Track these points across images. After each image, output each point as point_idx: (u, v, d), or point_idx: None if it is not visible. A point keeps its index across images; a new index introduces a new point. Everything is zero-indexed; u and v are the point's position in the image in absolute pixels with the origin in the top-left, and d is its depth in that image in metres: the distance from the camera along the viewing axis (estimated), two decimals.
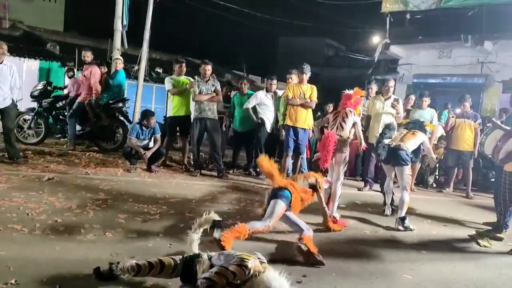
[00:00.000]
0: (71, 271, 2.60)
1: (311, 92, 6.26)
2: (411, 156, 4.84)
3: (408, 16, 12.06)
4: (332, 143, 4.37)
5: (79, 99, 7.84)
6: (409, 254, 3.78)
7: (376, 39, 14.62)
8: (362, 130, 6.94)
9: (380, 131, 5.34)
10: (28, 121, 7.90)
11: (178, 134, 7.24)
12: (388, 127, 5.09)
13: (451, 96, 11.11)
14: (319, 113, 9.08)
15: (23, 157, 6.20)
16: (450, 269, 3.48)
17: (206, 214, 2.94)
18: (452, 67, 12.00)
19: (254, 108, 7.07)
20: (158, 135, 6.62)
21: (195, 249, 2.76)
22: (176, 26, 25.84)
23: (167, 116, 8.14)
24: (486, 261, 3.79)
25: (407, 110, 7.42)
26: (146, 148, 6.48)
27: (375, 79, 9.37)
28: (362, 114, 5.44)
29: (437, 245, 4.11)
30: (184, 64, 7.07)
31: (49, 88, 8.53)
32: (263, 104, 7.06)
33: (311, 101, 6.28)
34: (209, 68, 6.56)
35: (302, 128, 6.33)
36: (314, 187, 3.98)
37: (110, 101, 7.98)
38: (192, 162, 7.09)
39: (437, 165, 8.05)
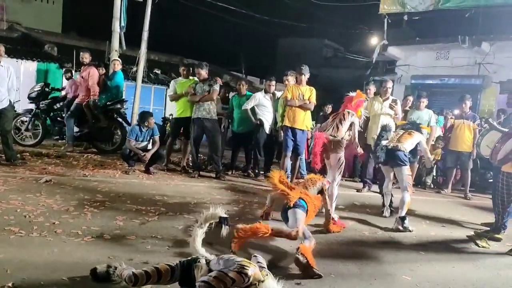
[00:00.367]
0: (69, 273, 2.58)
1: (310, 93, 6.26)
2: (409, 156, 4.85)
3: (405, 17, 12.13)
4: (319, 145, 4.39)
5: (77, 101, 7.83)
6: (407, 255, 3.78)
7: (374, 41, 14.65)
8: (360, 131, 7.02)
9: (377, 133, 5.35)
10: (26, 123, 7.88)
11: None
12: (384, 129, 5.11)
13: (449, 97, 11.17)
14: (321, 113, 9.08)
15: (20, 159, 6.18)
16: (449, 270, 3.48)
17: (213, 209, 2.84)
18: (450, 68, 12.05)
19: (252, 109, 7.06)
20: (157, 137, 6.62)
21: (199, 244, 2.71)
22: (174, 27, 25.89)
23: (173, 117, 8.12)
24: (484, 262, 3.79)
25: (405, 111, 7.44)
26: (145, 149, 6.47)
27: (374, 80, 9.41)
28: (365, 116, 5.42)
29: (435, 246, 4.11)
30: (189, 67, 7.07)
31: (46, 89, 8.51)
32: (262, 105, 7.06)
33: (310, 102, 6.27)
34: (199, 71, 6.52)
35: (300, 129, 6.33)
36: (321, 191, 4.06)
37: (108, 103, 7.97)
38: (191, 164, 7.08)
39: (434, 165, 8.06)
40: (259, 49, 27.65)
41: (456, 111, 7.91)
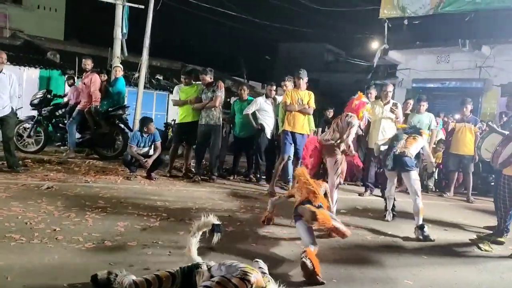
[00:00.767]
0: (70, 280, 2.58)
1: (309, 98, 6.27)
2: (416, 161, 4.83)
3: (406, 22, 12.14)
4: (308, 149, 4.41)
5: (79, 107, 7.86)
6: (410, 259, 3.76)
7: (375, 45, 14.69)
8: (362, 135, 7.02)
9: (379, 138, 5.32)
10: (28, 130, 7.90)
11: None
12: (396, 138, 4.96)
13: (450, 100, 11.16)
14: (323, 118, 9.10)
15: (22, 165, 6.20)
16: (451, 274, 3.46)
17: (204, 217, 2.83)
18: (451, 71, 12.07)
19: (254, 114, 7.08)
20: (159, 142, 6.63)
21: (195, 254, 2.71)
22: (176, 33, 26.02)
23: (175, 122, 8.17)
24: (487, 266, 3.77)
25: (406, 115, 7.43)
26: (147, 155, 6.48)
27: (375, 84, 9.40)
28: (369, 118, 5.42)
29: (438, 250, 4.09)
30: (190, 75, 7.10)
31: (49, 96, 8.55)
32: (263, 110, 7.07)
33: (309, 107, 6.29)
34: (203, 78, 6.68)
35: (300, 133, 6.33)
36: (325, 195, 4.06)
37: (110, 109, 8.00)
38: (192, 169, 7.10)
39: (436, 169, 8.03)
40: (260, 54, 27.76)
41: (457, 115, 7.89)
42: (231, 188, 6.40)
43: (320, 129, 8.55)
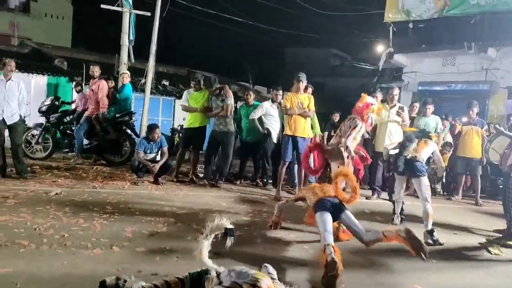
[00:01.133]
0: (79, 286, 2.59)
1: (309, 101, 6.29)
2: (426, 167, 4.80)
3: (411, 25, 12.12)
4: (307, 154, 4.45)
5: (86, 113, 7.93)
6: (418, 263, 3.72)
7: (380, 48, 14.66)
8: (368, 139, 7.00)
9: (386, 142, 5.29)
10: (36, 136, 7.98)
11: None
12: (408, 139, 4.89)
13: (456, 103, 11.10)
14: (331, 121, 9.08)
15: (31, 172, 6.26)
16: (460, 278, 3.43)
17: (218, 219, 2.75)
18: (457, 74, 11.99)
19: (260, 119, 7.10)
20: (166, 148, 6.66)
21: (206, 256, 2.66)
22: (182, 40, 26.16)
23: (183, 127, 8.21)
24: (497, 269, 3.73)
25: (412, 118, 7.40)
26: (154, 161, 6.51)
27: (380, 87, 9.41)
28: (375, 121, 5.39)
29: (447, 254, 4.05)
30: (198, 81, 7.11)
31: (56, 103, 8.62)
32: (269, 115, 7.09)
33: (309, 110, 6.30)
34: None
35: (302, 137, 6.33)
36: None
37: (117, 115, 8.06)
38: (199, 174, 7.13)
39: (444, 172, 7.97)
40: (266, 59, 27.84)
41: (464, 118, 7.85)
42: (238, 192, 6.40)
43: (326, 133, 8.53)
